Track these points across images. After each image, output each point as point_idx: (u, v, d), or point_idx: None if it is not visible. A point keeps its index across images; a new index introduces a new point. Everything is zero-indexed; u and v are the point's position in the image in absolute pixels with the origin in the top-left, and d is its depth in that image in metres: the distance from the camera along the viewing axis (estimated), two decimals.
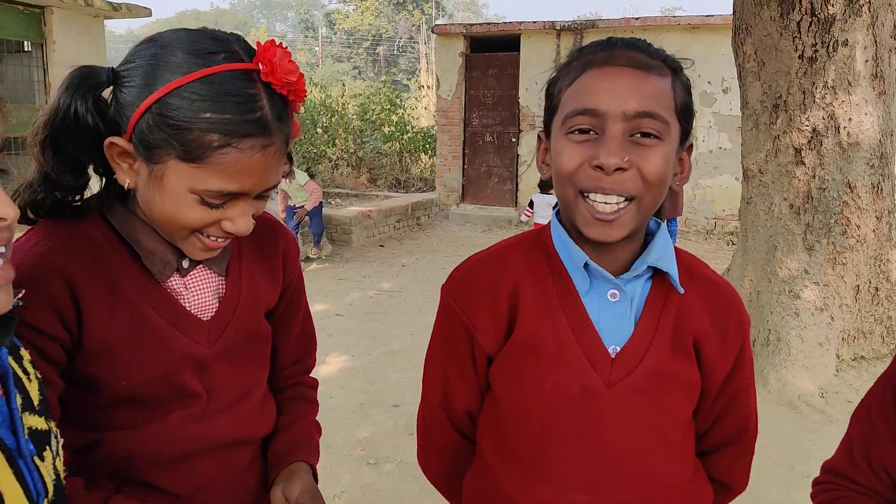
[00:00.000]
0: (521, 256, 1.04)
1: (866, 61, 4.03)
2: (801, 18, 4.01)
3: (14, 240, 0.88)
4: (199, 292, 1.00)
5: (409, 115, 14.53)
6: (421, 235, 9.45)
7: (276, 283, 1.11)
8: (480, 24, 10.78)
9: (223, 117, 0.82)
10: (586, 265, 0.96)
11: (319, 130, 13.00)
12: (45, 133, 0.88)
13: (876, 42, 4.02)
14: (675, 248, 1.03)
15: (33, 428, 0.74)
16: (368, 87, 19.45)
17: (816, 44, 4.02)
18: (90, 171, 0.94)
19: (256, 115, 0.84)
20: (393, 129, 13.42)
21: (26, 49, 7.48)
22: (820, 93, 4.08)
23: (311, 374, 1.26)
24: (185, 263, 0.98)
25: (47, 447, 0.75)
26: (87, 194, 0.97)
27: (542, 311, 0.99)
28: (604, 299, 0.97)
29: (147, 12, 8.46)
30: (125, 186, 0.90)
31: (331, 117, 13.33)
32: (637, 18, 9.54)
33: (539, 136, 1.01)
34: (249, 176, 0.86)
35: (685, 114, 0.94)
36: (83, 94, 0.88)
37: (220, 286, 1.02)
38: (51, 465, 0.75)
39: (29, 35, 7.27)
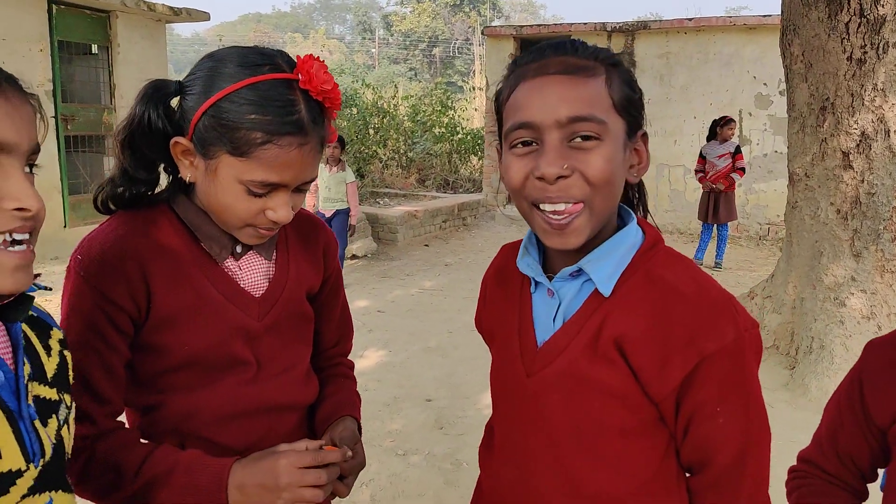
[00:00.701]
0: (507, 251, 1.13)
1: None
2: (850, 19, 3.91)
3: (97, 226, 1.06)
4: (251, 273, 1.14)
5: (460, 116, 14.61)
6: (466, 236, 9.52)
7: (317, 271, 1.25)
8: (531, 26, 10.79)
9: (265, 118, 0.96)
10: (518, 263, 1.03)
11: (371, 131, 13.21)
12: (123, 135, 1.05)
13: None
14: (664, 248, 0.98)
15: (40, 396, 0.82)
16: (423, 89, 19.61)
17: (865, 45, 3.91)
18: (160, 168, 1.10)
19: (294, 118, 0.97)
20: (443, 130, 13.53)
21: (93, 52, 7.82)
22: (869, 95, 3.97)
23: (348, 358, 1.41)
24: (239, 248, 1.12)
25: (53, 415, 0.84)
26: (157, 190, 1.14)
27: (501, 301, 1.08)
28: (545, 296, 1.01)
29: (206, 16, 8.77)
30: (187, 180, 1.06)
31: (382, 118, 13.52)
32: (690, 19, 9.38)
33: (497, 149, 1.03)
34: (288, 169, 0.99)
35: (627, 106, 0.93)
36: (155, 103, 1.03)
37: (270, 269, 1.16)
38: (53, 431, 0.83)
39: (96, 38, 7.61)
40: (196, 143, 1.01)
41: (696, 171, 7.56)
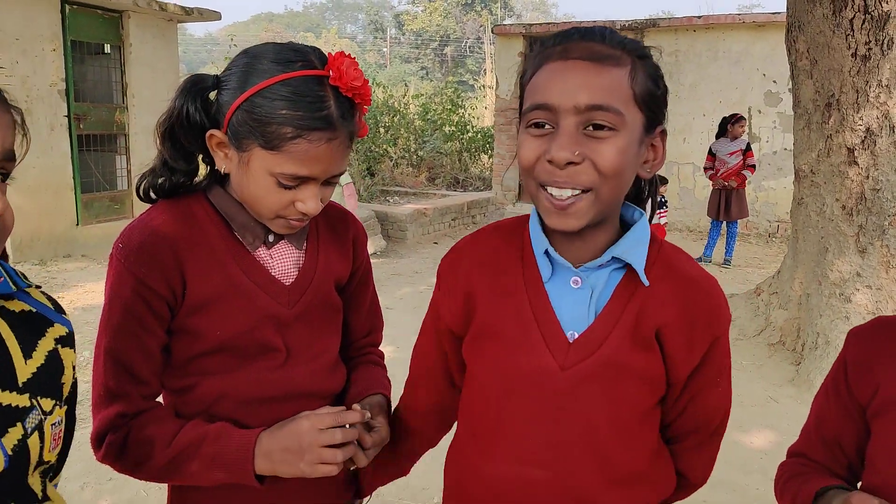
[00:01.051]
0: (496, 239, 1.09)
1: None
2: (854, 16, 3.92)
3: (139, 215, 1.10)
4: (281, 262, 1.17)
5: (470, 115, 14.64)
6: None
7: (346, 262, 1.27)
8: (540, 24, 10.80)
9: (296, 114, 1.00)
10: (546, 252, 1.00)
11: (382, 130, 13.27)
12: (164, 127, 1.10)
13: None
14: (664, 242, 1.04)
15: (1, 404, 0.79)
16: (434, 88, 19.65)
17: (870, 42, 3.91)
18: (199, 160, 1.14)
19: (324, 113, 1.01)
20: (453, 128, 13.57)
21: (106, 52, 7.91)
22: (874, 91, 3.97)
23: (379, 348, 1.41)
24: (271, 238, 1.16)
25: (18, 423, 0.80)
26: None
27: (505, 294, 1.03)
28: (567, 286, 1.00)
29: (217, 16, 8.84)
30: (222, 171, 1.10)
31: (393, 117, 13.58)
32: (700, 17, 9.37)
33: (516, 127, 1.04)
34: (317, 163, 1.03)
35: (648, 101, 0.93)
36: (193, 96, 1.08)
37: (300, 258, 1.19)
38: (12, 441, 0.79)
39: (108, 38, 7.70)
40: (230, 135, 1.05)
41: (706, 169, 7.55)
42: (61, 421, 0.89)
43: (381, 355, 1.39)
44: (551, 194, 0.92)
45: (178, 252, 1.08)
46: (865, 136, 4.06)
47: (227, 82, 1.05)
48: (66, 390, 0.92)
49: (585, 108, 0.88)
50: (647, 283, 0.98)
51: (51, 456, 0.87)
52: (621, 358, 0.97)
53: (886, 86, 3.94)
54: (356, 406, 1.13)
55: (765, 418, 3.74)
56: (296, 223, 1.10)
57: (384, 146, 13.16)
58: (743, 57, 9.21)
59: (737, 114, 7.44)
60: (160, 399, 1.17)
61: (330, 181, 1.08)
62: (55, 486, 1.00)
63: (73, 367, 0.94)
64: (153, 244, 1.07)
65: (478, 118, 15.57)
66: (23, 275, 0.93)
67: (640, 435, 1.02)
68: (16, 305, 0.89)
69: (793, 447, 1.21)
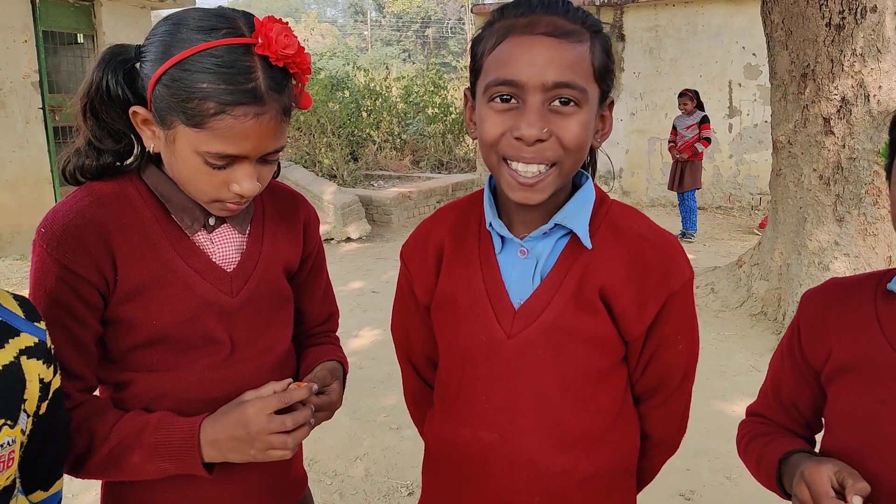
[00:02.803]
0: (454, 216, 1.11)
1: None
2: None
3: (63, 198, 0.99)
4: (223, 246, 1.09)
5: (453, 96, 14.58)
6: None
7: (296, 247, 1.20)
8: None
9: (218, 87, 0.90)
10: (490, 225, 1.03)
11: (364, 114, 13.18)
12: (83, 103, 1.01)
13: None
14: (614, 203, 1.06)
15: None
16: (417, 70, 19.54)
17: (843, 11, 3.93)
18: (132, 138, 1.04)
19: (250, 86, 0.91)
20: (437, 111, 13.50)
21: (79, 41, 7.79)
22: (848, 61, 3.99)
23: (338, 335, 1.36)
24: (212, 221, 1.08)
25: None
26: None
27: (460, 266, 1.06)
28: (516, 257, 1.02)
29: (191, 2, 8.74)
30: (150, 151, 1.02)
31: (375, 100, 13.49)
32: None
33: (465, 94, 1.04)
34: (245, 140, 0.94)
35: (604, 75, 0.95)
36: (113, 68, 0.98)
37: (243, 243, 1.11)
38: None
39: (80, 27, 7.58)
40: (154, 112, 0.96)
41: (669, 143, 7.83)
42: (14, 441, 0.81)
43: (338, 340, 1.34)
44: (516, 170, 0.93)
45: (107, 236, 1.00)
46: (841, 106, 4.09)
47: (147, 53, 0.96)
48: (31, 406, 0.85)
49: (553, 85, 0.89)
50: (589, 246, 0.99)
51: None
52: (565, 322, 0.99)
53: (861, 55, 3.97)
54: (305, 380, 1.08)
55: (747, 387, 3.80)
56: (234, 206, 1.02)
57: (367, 130, 13.09)
58: (722, 30, 9.21)
59: (685, 90, 7.69)
60: (97, 394, 1.10)
61: (267, 159, 1.00)
62: (54, 496, 0.96)
63: (42, 380, 0.87)
64: (78, 227, 0.98)
65: (460, 99, 15.44)
66: None
67: (596, 398, 1.03)
68: None
69: (752, 406, 1.23)
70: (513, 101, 0.92)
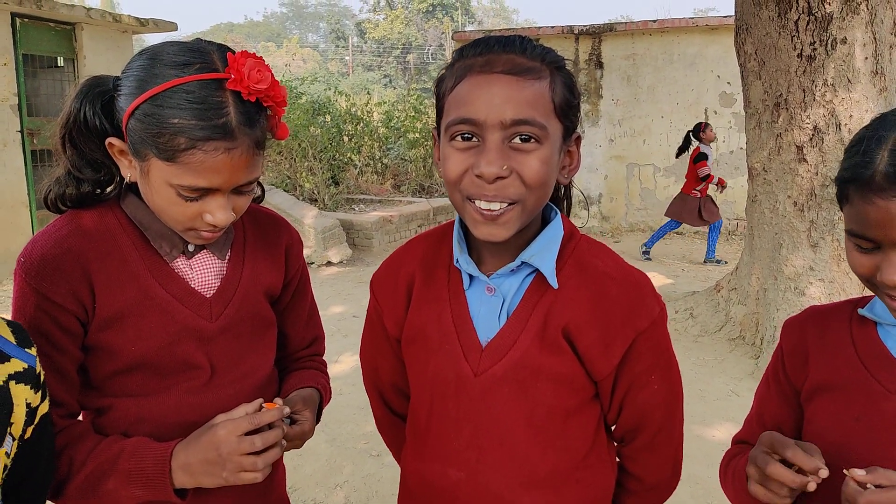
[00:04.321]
0: (425, 248, 1.11)
1: (866, 58, 4.03)
2: (799, 18, 4.04)
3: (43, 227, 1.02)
4: (202, 273, 1.10)
5: (434, 121, 14.67)
6: None
7: (277, 272, 1.20)
8: (500, 31, 10.89)
9: (189, 122, 0.92)
10: (458, 261, 1.03)
11: (346, 138, 13.23)
12: (61, 133, 1.03)
13: (875, 39, 4.03)
14: (582, 239, 1.05)
15: None
16: (398, 95, 19.67)
17: (815, 42, 4.04)
18: (111, 167, 1.06)
19: (220, 122, 0.93)
20: (417, 135, 13.59)
21: (59, 65, 7.76)
22: (820, 90, 4.10)
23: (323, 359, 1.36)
24: (191, 247, 1.09)
25: None
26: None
27: (430, 301, 1.06)
28: (484, 293, 1.02)
29: (173, 26, 8.74)
30: (127, 180, 1.03)
31: (356, 125, 13.54)
32: (654, 21, 9.55)
33: (433, 135, 1.05)
34: (216, 174, 0.95)
35: (565, 111, 0.95)
36: (91, 99, 1.01)
37: (223, 269, 1.12)
38: None
39: (61, 51, 7.56)
40: (129, 144, 0.98)
41: (706, 176, 7.40)
42: None
43: (324, 364, 1.34)
44: (480, 207, 0.93)
45: (85, 264, 1.02)
46: (813, 134, 4.19)
47: (123, 86, 0.98)
48: (17, 429, 0.87)
49: (511, 122, 0.89)
50: (555, 285, 0.99)
51: None
52: (530, 361, 0.98)
53: (832, 84, 4.08)
54: (277, 401, 1.08)
55: (727, 411, 3.82)
56: (208, 234, 1.03)
57: (348, 154, 13.12)
58: (697, 59, 9.41)
59: (701, 122, 7.57)
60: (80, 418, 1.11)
61: (241, 190, 1.01)
62: None
63: (29, 405, 0.88)
64: (56, 256, 1.00)
65: None
66: None
67: (563, 436, 1.02)
68: None
69: (737, 435, 1.25)
70: (473, 139, 0.92)
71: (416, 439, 1.12)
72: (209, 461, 0.99)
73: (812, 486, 0.88)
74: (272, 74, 0.97)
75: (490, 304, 1.01)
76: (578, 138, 1.02)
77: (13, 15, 6.89)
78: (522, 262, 0.99)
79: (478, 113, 0.90)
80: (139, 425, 1.06)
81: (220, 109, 0.93)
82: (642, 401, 1.04)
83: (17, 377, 0.87)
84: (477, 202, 0.93)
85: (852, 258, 0.94)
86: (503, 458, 1.01)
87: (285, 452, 1.08)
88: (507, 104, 0.89)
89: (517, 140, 0.91)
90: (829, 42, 4.02)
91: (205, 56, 0.95)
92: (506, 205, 0.92)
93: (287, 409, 1.06)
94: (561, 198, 1.12)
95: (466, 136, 0.92)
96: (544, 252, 1.00)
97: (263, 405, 1.03)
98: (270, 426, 1.02)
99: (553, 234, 1.02)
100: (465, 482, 1.03)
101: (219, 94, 0.94)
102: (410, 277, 1.09)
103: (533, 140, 0.91)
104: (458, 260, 1.03)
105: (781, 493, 0.91)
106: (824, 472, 0.88)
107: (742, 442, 1.22)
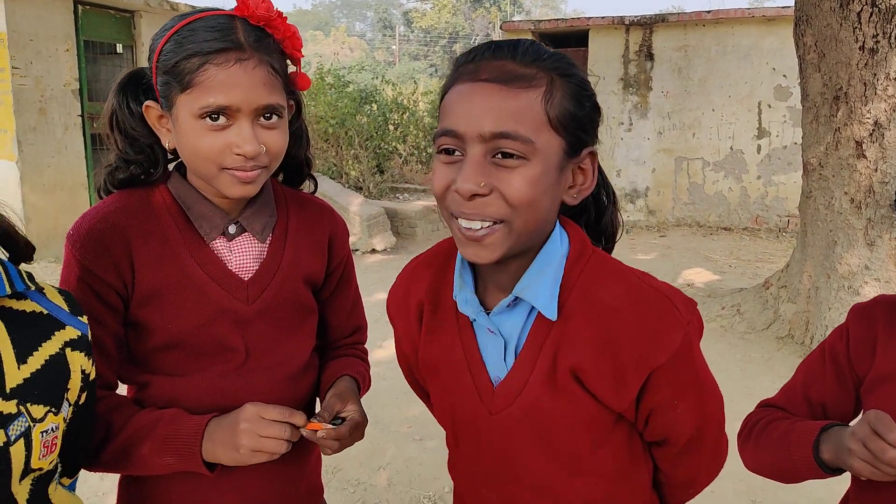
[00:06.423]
0: (430, 274, 1.04)
1: None
2: (862, 9, 3.92)
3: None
4: (241, 255, 1.11)
5: None
6: None
7: (320, 260, 1.20)
8: (549, 21, 10.79)
9: (199, 44, 0.98)
10: (456, 297, 0.96)
11: (391, 127, 13.30)
12: (109, 122, 1.09)
13: None
14: (591, 257, 0.95)
15: None
16: None
17: (878, 34, 3.92)
18: (156, 152, 1.11)
19: (230, 36, 0.99)
20: None
21: (118, 51, 7.99)
22: (882, 84, 3.97)
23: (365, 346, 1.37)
24: (232, 229, 1.11)
25: (0, 430, 0.78)
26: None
27: (441, 333, 1.01)
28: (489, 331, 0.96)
29: None
30: (166, 146, 1.08)
31: (402, 114, 13.61)
32: (709, 12, 9.34)
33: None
34: (233, 89, 0.98)
35: (569, 124, 0.86)
36: (132, 88, 1.09)
37: (262, 252, 1.13)
38: None
39: (120, 38, 7.79)
40: (162, 100, 1.04)
41: None
42: (56, 427, 0.85)
43: (365, 352, 1.34)
44: (461, 225, 0.86)
45: (128, 240, 1.05)
46: (874, 129, 4.07)
47: (151, 52, 1.05)
48: (72, 395, 0.90)
49: (491, 136, 0.82)
50: (553, 318, 0.91)
51: (42, 463, 0.83)
52: (543, 404, 0.92)
53: (894, 78, 3.95)
54: (323, 416, 1.08)
55: None
56: (242, 174, 1.02)
57: (394, 143, 13.20)
58: (752, 51, 9.18)
59: None
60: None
61: (266, 121, 1.02)
62: (74, 483, 1.01)
63: (84, 372, 0.91)
64: (102, 231, 1.04)
65: None
66: (28, 275, 0.88)
67: (594, 461, 0.97)
68: (27, 306, 0.86)
69: (768, 400, 1.23)
70: (456, 153, 0.85)
71: (450, 447, 1.10)
72: (228, 428, 1.02)
73: None
74: (279, 12, 1.03)
75: (495, 342, 0.95)
76: (593, 154, 0.91)
77: (76, 2, 7.12)
78: (517, 297, 0.92)
79: (458, 125, 0.84)
80: (173, 405, 1.08)
81: (228, 28, 1.00)
82: (670, 421, 0.97)
83: (73, 344, 0.89)
84: (459, 220, 0.86)
85: None
86: (529, 487, 0.99)
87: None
88: (486, 116, 0.82)
89: (500, 156, 0.83)
90: (893, 34, 3.89)
91: (213, 10, 1.03)
92: (487, 224, 0.85)
93: (323, 433, 1.05)
94: (606, 194, 1.06)
95: (449, 149, 0.86)
96: (536, 281, 0.91)
97: (308, 424, 1.05)
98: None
99: (548, 258, 0.92)
100: (496, 501, 1.02)
101: (228, 21, 1.01)
102: (419, 305, 1.04)
103: (517, 156, 0.82)
104: (456, 296, 0.97)
105: (891, 472, 0.93)
106: None
107: (774, 406, 1.21)
